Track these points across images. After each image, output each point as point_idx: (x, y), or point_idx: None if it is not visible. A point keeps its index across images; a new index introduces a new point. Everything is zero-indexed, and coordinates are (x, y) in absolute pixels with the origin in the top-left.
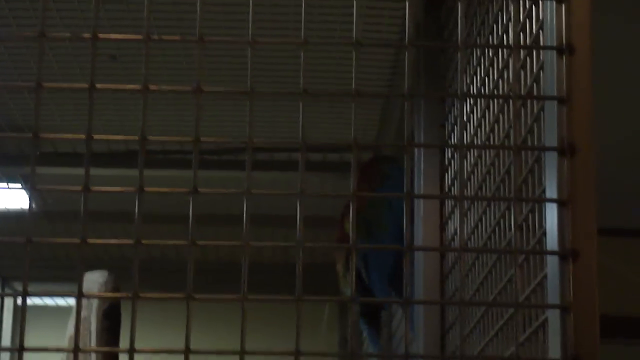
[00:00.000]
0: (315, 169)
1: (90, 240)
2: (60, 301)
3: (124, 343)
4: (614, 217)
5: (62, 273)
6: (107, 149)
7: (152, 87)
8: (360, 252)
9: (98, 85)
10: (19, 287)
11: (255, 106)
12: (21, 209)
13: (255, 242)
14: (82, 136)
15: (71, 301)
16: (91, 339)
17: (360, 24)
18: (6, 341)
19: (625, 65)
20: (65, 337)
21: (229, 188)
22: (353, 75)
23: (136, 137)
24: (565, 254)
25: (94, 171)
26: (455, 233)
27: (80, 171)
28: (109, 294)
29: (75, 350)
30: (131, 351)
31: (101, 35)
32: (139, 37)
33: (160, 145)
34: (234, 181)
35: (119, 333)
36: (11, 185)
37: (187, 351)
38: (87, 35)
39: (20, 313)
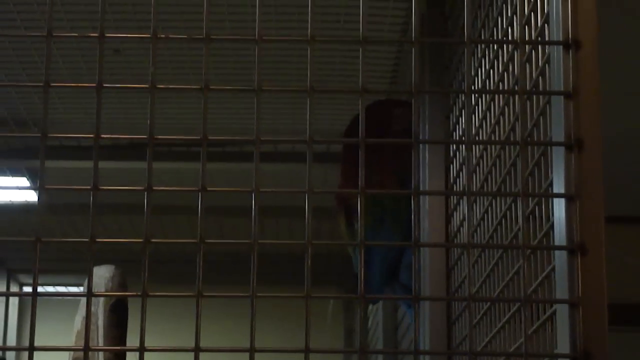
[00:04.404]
0: (319, 160)
1: (99, 240)
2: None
3: (132, 339)
4: (618, 205)
5: (69, 265)
6: (112, 142)
7: (160, 85)
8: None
9: (106, 85)
10: (23, 279)
11: (261, 98)
12: (26, 201)
13: (263, 240)
14: (91, 135)
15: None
16: (98, 334)
17: (363, 18)
18: (12, 333)
19: (629, 55)
20: (72, 330)
21: (233, 179)
22: (360, 72)
23: (144, 136)
24: (574, 249)
25: (99, 164)
26: (461, 225)
27: (86, 164)
28: (117, 294)
29: (86, 348)
30: (141, 350)
31: (108, 34)
32: (146, 35)
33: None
34: (239, 173)
35: (127, 327)
36: (16, 178)
37: (197, 349)
38: (93, 34)
39: (31, 314)
